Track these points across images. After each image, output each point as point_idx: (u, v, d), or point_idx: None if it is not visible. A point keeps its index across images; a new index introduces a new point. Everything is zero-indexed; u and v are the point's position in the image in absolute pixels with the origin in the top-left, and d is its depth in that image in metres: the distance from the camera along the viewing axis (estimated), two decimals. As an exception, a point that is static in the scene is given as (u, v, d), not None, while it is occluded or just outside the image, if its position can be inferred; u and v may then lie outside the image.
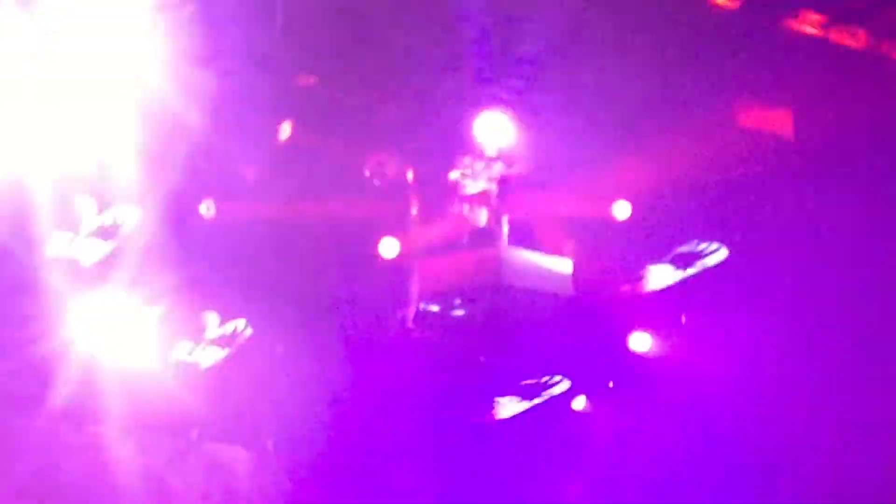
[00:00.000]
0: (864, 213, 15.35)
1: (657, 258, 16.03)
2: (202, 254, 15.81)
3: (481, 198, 13.09)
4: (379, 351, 16.66)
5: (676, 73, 14.49)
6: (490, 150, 13.17)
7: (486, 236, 12.99)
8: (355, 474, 17.53)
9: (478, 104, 13.61)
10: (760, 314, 16.13)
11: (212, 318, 16.40)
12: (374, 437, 17.42)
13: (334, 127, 14.58)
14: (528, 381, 17.64)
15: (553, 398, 17.72)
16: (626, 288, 16.17)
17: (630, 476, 17.50)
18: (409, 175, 13.97)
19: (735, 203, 15.36)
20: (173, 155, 14.82)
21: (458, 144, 13.33)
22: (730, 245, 15.86)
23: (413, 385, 17.02)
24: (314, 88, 14.26)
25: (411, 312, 14.13)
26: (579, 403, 17.60)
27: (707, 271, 16.00)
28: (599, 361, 17.13)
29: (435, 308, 13.24)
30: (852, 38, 14.85)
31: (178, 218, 14.98)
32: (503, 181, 13.09)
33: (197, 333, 16.39)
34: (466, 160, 13.10)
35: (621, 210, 15.12)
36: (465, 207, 13.08)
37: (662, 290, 16.20)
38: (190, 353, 16.45)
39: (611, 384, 17.30)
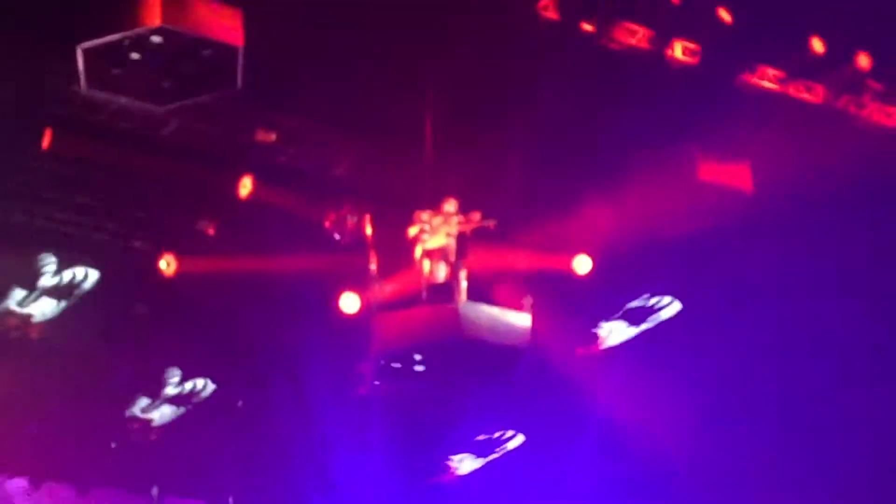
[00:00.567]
0: (822, 267, 15.47)
1: (613, 312, 16.08)
2: (162, 309, 15.82)
3: (440, 253, 13.11)
4: (339, 406, 16.63)
5: (637, 126, 14.59)
6: (448, 205, 13.21)
7: (445, 291, 13.00)
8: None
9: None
10: (714, 368, 16.23)
11: (172, 375, 16.36)
12: (333, 493, 17.36)
13: (294, 182, 14.60)
14: (484, 437, 17.65)
15: (508, 453, 17.75)
16: (583, 343, 16.22)
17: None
18: (368, 230, 13.99)
19: (692, 256, 15.43)
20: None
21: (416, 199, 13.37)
22: (686, 298, 15.94)
23: (373, 440, 16.99)
24: (273, 143, 14.27)
25: (371, 367, 14.10)
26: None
27: (661, 325, 16.08)
28: (557, 416, 17.14)
29: (395, 364, 13.20)
30: (809, 93, 15.01)
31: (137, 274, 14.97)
32: (462, 236, 13.12)
33: (156, 389, 16.34)
34: (425, 216, 13.11)
35: (580, 264, 15.16)
36: (425, 262, 13.09)
37: (618, 345, 16.27)
38: (145, 410, 16.40)
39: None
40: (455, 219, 13.23)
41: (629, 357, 16.34)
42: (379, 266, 13.54)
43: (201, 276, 15.10)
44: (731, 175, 14.65)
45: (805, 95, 14.97)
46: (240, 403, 16.91)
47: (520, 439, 17.51)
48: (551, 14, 13.78)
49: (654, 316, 16.01)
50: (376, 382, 15.09)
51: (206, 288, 15.51)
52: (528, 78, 14.12)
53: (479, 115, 14.30)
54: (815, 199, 14.67)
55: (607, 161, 14.88)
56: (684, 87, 14.45)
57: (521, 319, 12.95)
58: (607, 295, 15.89)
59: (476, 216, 13.23)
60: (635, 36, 14.15)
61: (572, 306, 15.88)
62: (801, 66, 14.69)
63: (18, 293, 14.86)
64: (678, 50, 14.32)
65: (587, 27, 13.93)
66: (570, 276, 15.17)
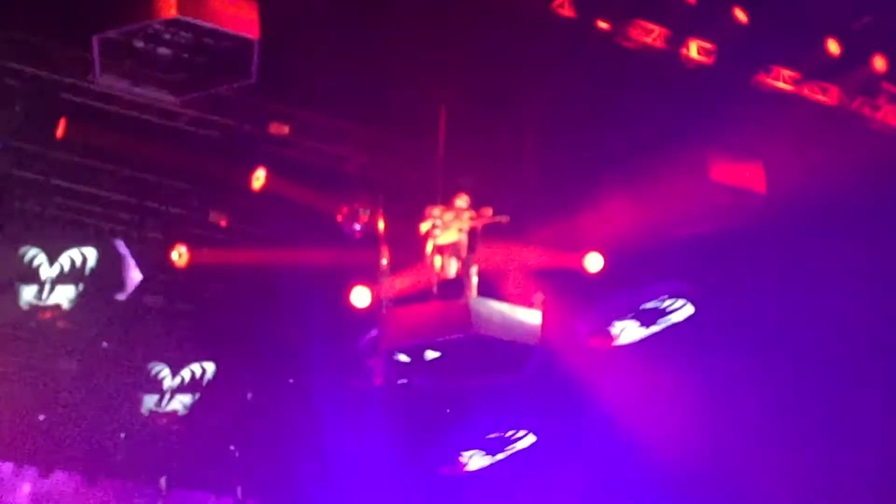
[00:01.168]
0: (834, 268, 15.45)
1: (624, 311, 16.06)
2: (178, 299, 15.86)
3: (452, 248, 13.11)
4: (347, 400, 16.64)
5: (651, 124, 14.59)
6: (460, 200, 13.21)
7: (455, 286, 12.99)
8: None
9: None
10: (725, 368, 16.21)
11: (180, 366, 16.37)
12: (341, 486, 17.38)
13: (307, 175, 14.62)
14: (494, 435, 17.64)
15: (518, 452, 17.73)
16: (593, 341, 16.20)
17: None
18: (381, 225, 14.00)
19: (704, 256, 15.42)
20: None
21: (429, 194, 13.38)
22: (698, 297, 15.92)
23: (381, 435, 17.00)
24: (287, 136, 14.29)
25: (381, 362, 14.11)
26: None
27: (673, 327, 16.06)
28: (566, 413, 17.13)
29: (405, 358, 13.20)
30: (824, 95, 14.99)
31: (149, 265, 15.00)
32: (473, 232, 13.11)
33: (159, 382, 16.36)
34: (437, 211, 13.11)
35: (592, 262, 15.14)
36: (436, 258, 13.09)
37: (629, 345, 16.25)
38: (159, 403, 16.42)
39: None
40: (467, 214, 13.22)
41: (640, 356, 16.30)
42: (390, 260, 13.52)
43: (213, 268, 15.13)
44: (745, 175, 14.64)
45: (820, 97, 14.96)
46: (249, 396, 16.94)
47: (531, 439, 17.46)
48: (567, 11, 13.78)
49: (666, 318, 15.99)
50: (385, 377, 15.08)
51: (217, 279, 15.55)
52: (543, 75, 14.13)
53: (492, 111, 14.32)
54: (827, 201, 14.62)
55: (620, 159, 14.88)
56: (699, 86, 14.43)
57: (531, 316, 12.94)
58: (618, 293, 15.85)
59: (488, 212, 13.23)
60: (651, 35, 14.14)
61: (583, 304, 15.86)
62: (817, 68, 14.66)
63: (30, 289, 14.85)
64: (693, 49, 14.30)
65: (602, 25, 13.92)
66: (582, 273, 15.16)
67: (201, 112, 14.04)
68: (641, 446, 16.74)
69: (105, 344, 15.79)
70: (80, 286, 14.66)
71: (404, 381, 13.99)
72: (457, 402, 16.81)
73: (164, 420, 16.41)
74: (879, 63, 14.57)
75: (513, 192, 14.58)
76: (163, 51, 12.46)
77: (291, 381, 16.65)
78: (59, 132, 13.70)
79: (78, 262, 14.58)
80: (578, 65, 14.06)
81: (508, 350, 12.96)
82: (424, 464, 17.95)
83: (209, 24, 12.02)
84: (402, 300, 13.31)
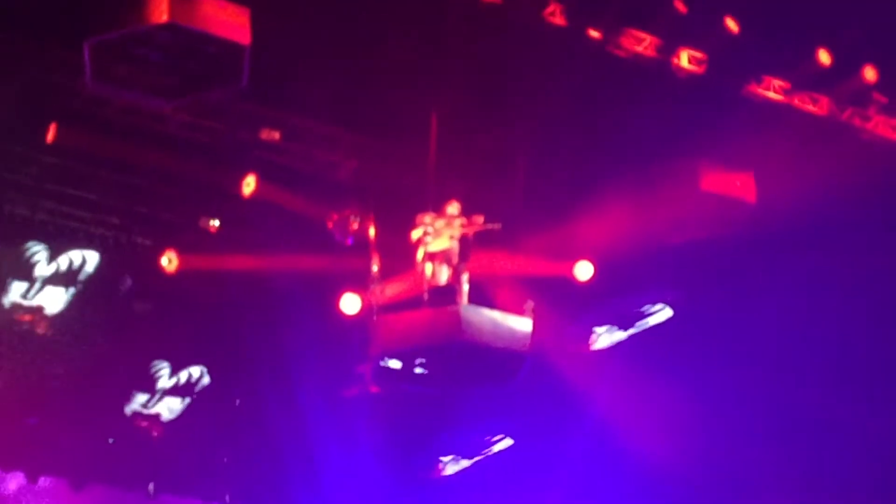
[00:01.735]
0: (823, 278, 15.48)
1: (610, 317, 16.11)
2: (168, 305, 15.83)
3: (443, 256, 13.11)
4: (336, 407, 16.62)
5: (641, 133, 14.60)
6: (452, 207, 13.21)
7: (446, 294, 12.99)
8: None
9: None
10: (710, 375, 16.25)
11: (169, 369, 16.34)
12: (330, 492, 17.35)
13: (297, 181, 14.61)
14: (479, 439, 17.68)
15: (501, 455, 17.76)
16: (582, 347, 16.23)
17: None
18: (372, 231, 13.99)
19: (694, 265, 15.44)
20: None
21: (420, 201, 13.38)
22: (687, 306, 15.95)
23: (370, 441, 16.99)
24: (278, 142, 14.28)
25: (371, 369, 14.10)
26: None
27: (660, 332, 16.10)
28: (553, 419, 17.15)
29: (396, 364, 13.19)
30: (815, 105, 15.02)
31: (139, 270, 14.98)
32: (465, 239, 13.11)
33: (153, 384, 16.32)
34: (428, 218, 13.10)
35: (582, 271, 15.14)
36: (427, 265, 13.09)
37: (615, 351, 16.29)
38: (146, 405, 16.38)
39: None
40: (458, 221, 13.22)
41: (627, 363, 16.34)
42: (381, 267, 13.51)
43: (203, 274, 15.10)
44: (735, 185, 14.65)
45: (810, 107, 15.00)
46: (237, 402, 16.91)
47: (507, 442, 17.50)
48: (558, 20, 13.80)
49: (643, 321, 16.05)
50: (375, 384, 15.08)
51: (207, 285, 15.52)
52: (534, 82, 14.13)
53: (483, 118, 14.33)
54: (817, 211, 14.66)
55: (611, 168, 14.89)
56: (690, 95, 14.46)
57: (522, 324, 12.94)
58: (609, 301, 15.88)
59: (479, 219, 13.23)
60: (642, 43, 14.17)
61: (574, 312, 15.88)
62: (807, 78, 14.69)
63: (20, 285, 14.82)
64: (684, 58, 14.34)
65: (594, 34, 13.96)
66: (572, 282, 15.16)
67: (192, 117, 14.03)
68: (626, 452, 16.77)
69: (94, 348, 15.73)
70: (71, 290, 14.66)
71: (395, 387, 13.98)
72: (441, 407, 16.79)
73: (145, 423, 16.41)
74: (870, 74, 14.62)
75: (504, 199, 14.58)
76: (154, 56, 12.41)
77: (280, 386, 16.59)
78: (50, 136, 13.67)
79: (76, 265, 14.58)
80: (569, 73, 14.07)
81: (499, 358, 12.96)
82: (413, 470, 17.94)
83: (200, 30, 11.99)
84: (393, 307, 13.31)
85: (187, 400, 16.49)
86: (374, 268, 13.48)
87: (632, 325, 16.12)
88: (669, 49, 14.24)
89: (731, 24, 13.98)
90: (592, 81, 14.19)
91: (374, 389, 15.68)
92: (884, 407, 16.27)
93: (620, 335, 16.19)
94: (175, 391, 16.35)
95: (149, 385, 16.28)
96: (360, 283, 14.29)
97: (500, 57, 13.92)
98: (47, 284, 14.81)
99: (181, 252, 14.86)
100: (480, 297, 13.43)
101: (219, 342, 16.34)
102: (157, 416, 16.49)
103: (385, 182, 14.78)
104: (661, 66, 14.26)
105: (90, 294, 15.04)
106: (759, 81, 14.77)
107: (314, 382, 16.33)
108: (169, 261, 14.84)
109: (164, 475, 17.32)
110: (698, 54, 14.36)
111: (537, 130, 14.52)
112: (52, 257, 14.67)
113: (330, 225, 14.65)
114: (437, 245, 13.15)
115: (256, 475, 17.54)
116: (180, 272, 14.88)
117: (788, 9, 13.93)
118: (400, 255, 13.58)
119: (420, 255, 13.18)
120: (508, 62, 14.00)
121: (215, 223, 14.92)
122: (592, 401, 16.71)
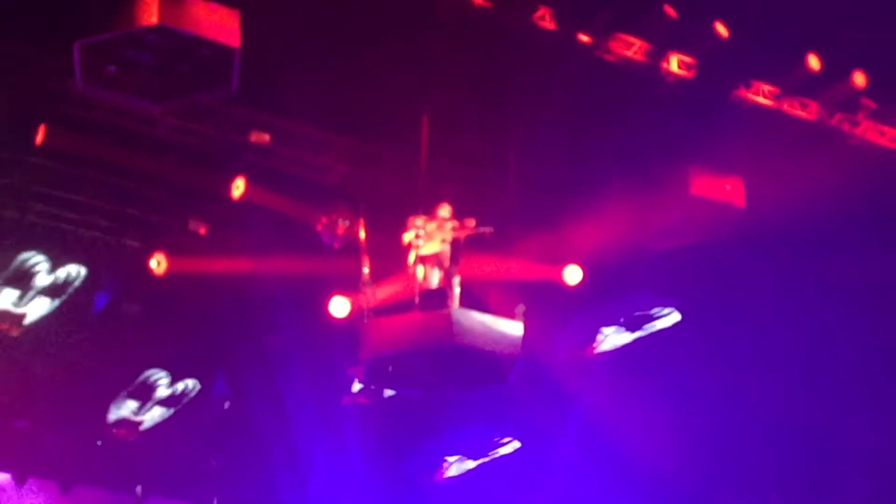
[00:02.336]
0: (813, 282, 15.52)
1: (607, 321, 16.12)
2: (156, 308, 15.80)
3: (434, 259, 13.10)
4: (325, 410, 16.61)
5: (631, 137, 14.62)
6: (443, 210, 13.21)
7: (438, 297, 12.99)
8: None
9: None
10: (705, 379, 16.28)
11: (161, 377, 16.31)
12: (319, 496, 17.34)
13: (287, 185, 14.59)
14: (476, 441, 17.67)
15: (500, 458, 17.76)
16: (576, 350, 16.24)
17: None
18: (362, 234, 13.97)
19: (684, 270, 15.46)
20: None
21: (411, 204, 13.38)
22: (677, 311, 15.99)
23: (360, 445, 16.98)
24: (267, 145, 14.26)
25: (362, 372, 14.09)
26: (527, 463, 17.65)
27: (654, 337, 16.12)
28: (546, 423, 17.15)
29: (386, 369, 13.18)
30: (804, 110, 15.05)
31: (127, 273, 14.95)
32: (456, 243, 13.10)
33: (143, 390, 16.30)
34: (419, 221, 13.10)
35: (571, 275, 15.14)
36: (419, 268, 13.08)
37: (613, 355, 16.30)
38: (136, 412, 16.37)
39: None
40: (449, 224, 13.22)
41: (620, 367, 16.36)
42: (372, 270, 13.49)
43: (192, 277, 15.08)
44: (725, 189, 14.69)
45: (799, 112, 15.02)
46: (226, 405, 16.88)
47: (512, 447, 17.50)
48: (547, 24, 13.80)
49: (651, 324, 16.08)
50: (366, 387, 15.06)
51: (196, 288, 15.49)
52: (524, 86, 14.14)
53: (474, 122, 14.33)
54: (806, 216, 14.68)
55: (601, 172, 14.90)
56: (679, 100, 14.48)
57: (513, 327, 12.95)
58: (598, 305, 15.90)
59: (471, 222, 13.23)
60: (631, 48, 14.18)
61: (564, 316, 15.89)
62: (797, 83, 14.72)
63: (12, 293, 14.80)
64: (674, 63, 14.35)
65: (583, 38, 13.96)
66: (562, 286, 15.16)
67: (182, 120, 13.98)
68: (622, 456, 16.79)
69: (82, 350, 15.71)
70: (56, 301, 14.66)
71: (386, 391, 13.98)
72: (434, 411, 16.80)
73: (133, 427, 16.40)
74: (859, 79, 14.64)
75: (495, 202, 14.58)
76: (144, 58, 12.40)
77: (268, 390, 16.57)
78: (39, 139, 13.64)
79: (71, 277, 14.59)
80: (559, 77, 14.08)
81: (490, 361, 12.97)
82: (403, 474, 17.94)
83: (190, 32, 11.98)
84: (384, 310, 13.30)
85: (172, 409, 16.50)
86: (365, 270, 13.46)
87: (639, 328, 16.13)
88: (659, 54, 14.25)
89: (721, 29, 14.00)
90: (582, 86, 14.20)
91: (363, 401, 15.75)
92: (878, 411, 16.30)
93: (627, 337, 16.20)
94: (169, 402, 16.36)
95: (143, 393, 16.26)
96: (349, 286, 14.28)
97: (490, 61, 13.92)
98: (39, 295, 14.83)
99: (170, 254, 14.85)
100: (472, 300, 13.41)
101: (207, 345, 16.32)
102: (137, 424, 16.50)
103: (376, 185, 14.77)
104: (651, 70, 14.27)
105: (77, 299, 15.02)
106: (748, 86, 14.79)
107: (303, 385, 16.32)
108: (158, 263, 14.81)
109: (153, 478, 17.31)
110: (688, 59, 14.37)
111: (528, 134, 14.52)
112: (53, 269, 14.67)
113: (319, 228, 14.64)
114: (428, 248, 13.14)
115: (245, 478, 17.53)
116: (169, 274, 14.85)
117: (778, 14, 13.95)
118: (391, 257, 13.57)
119: (411, 258, 13.17)
120: (498, 66, 14.00)
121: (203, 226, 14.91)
122: (585, 405, 16.73)
